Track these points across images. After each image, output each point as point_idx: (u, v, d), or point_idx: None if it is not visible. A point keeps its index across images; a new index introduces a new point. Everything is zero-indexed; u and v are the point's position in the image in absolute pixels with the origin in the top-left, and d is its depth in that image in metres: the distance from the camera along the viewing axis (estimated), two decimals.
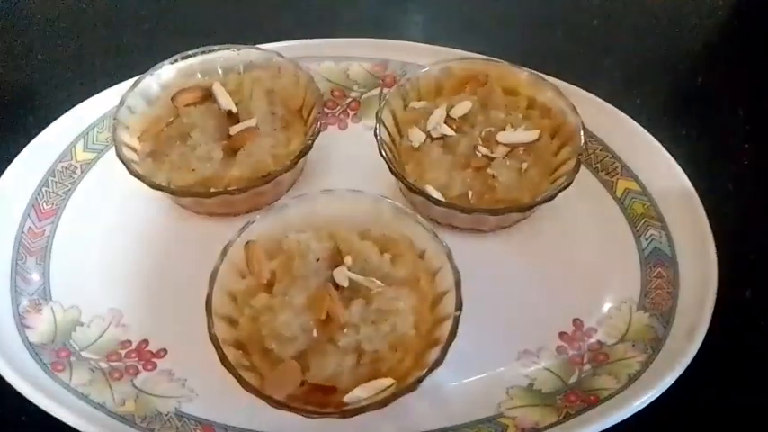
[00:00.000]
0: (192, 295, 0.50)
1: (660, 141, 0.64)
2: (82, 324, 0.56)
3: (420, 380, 0.46)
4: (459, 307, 0.48)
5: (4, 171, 0.62)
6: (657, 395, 0.49)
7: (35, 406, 0.49)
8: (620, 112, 0.66)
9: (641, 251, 0.60)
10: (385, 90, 0.70)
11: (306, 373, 0.47)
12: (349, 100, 0.71)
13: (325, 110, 0.69)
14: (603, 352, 0.54)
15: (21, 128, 0.69)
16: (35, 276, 0.58)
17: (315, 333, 0.48)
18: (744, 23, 0.87)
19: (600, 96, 0.67)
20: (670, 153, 0.63)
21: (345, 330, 0.48)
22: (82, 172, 0.65)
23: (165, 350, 0.54)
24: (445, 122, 0.60)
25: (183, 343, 0.54)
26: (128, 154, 0.58)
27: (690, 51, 0.84)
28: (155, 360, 0.54)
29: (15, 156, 0.63)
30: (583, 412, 0.50)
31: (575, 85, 0.67)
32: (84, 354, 0.54)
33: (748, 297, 0.59)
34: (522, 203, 0.57)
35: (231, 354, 0.47)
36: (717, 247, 0.57)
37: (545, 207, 0.60)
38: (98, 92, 0.68)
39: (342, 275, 0.50)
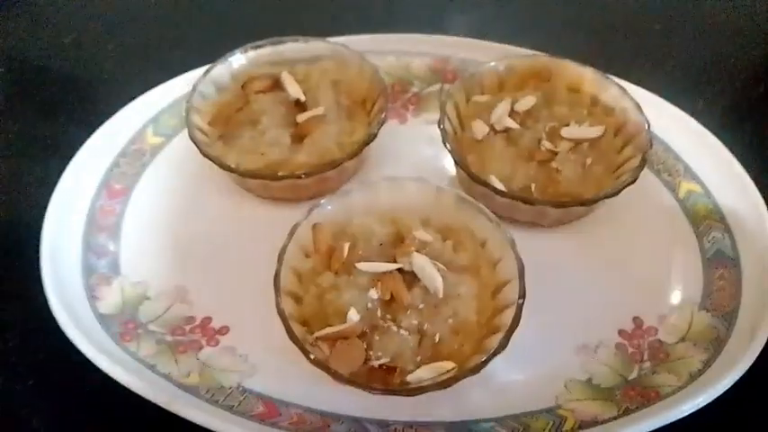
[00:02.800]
0: (255, 275, 0.52)
1: (724, 144, 0.63)
2: (149, 298, 0.57)
3: (483, 364, 0.46)
4: (522, 295, 0.48)
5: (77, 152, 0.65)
6: (719, 394, 0.48)
7: (102, 374, 0.50)
8: (683, 113, 0.66)
9: (704, 252, 0.59)
10: (446, 86, 0.71)
11: (369, 351, 0.48)
12: (409, 95, 0.72)
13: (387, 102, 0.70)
14: (664, 350, 0.54)
15: (93, 113, 0.71)
16: (105, 251, 0.60)
17: (378, 313, 0.49)
18: None
19: (663, 99, 0.67)
20: (734, 157, 0.63)
21: (408, 312, 0.48)
22: (151, 155, 0.67)
23: (227, 327, 0.56)
24: (509, 116, 0.61)
25: (246, 321, 0.55)
26: (200, 137, 0.61)
27: (752, 57, 0.83)
28: (218, 336, 0.55)
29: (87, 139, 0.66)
30: (643, 407, 0.49)
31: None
32: (150, 327, 0.56)
33: None
34: (584, 198, 0.57)
35: (297, 329, 0.48)
36: None
37: (607, 206, 0.60)
38: (165, 80, 0.71)
39: (405, 258, 0.50)
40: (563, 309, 0.56)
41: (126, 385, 0.49)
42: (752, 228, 0.58)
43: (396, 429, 0.49)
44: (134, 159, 0.66)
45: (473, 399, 0.51)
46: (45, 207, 0.60)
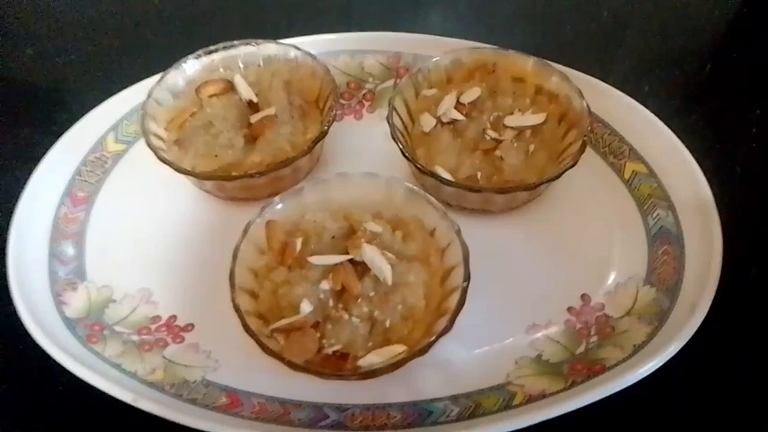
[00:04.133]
0: (217, 274, 0.54)
1: (668, 126, 0.66)
2: (114, 301, 0.59)
3: (430, 345, 0.48)
4: (466, 278, 0.51)
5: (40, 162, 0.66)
6: (660, 364, 0.51)
7: (71, 376, 0.52)
8: (626, 96, 0.68)
9: (648, 230, 0.62)
10: (398, 81, 0.73)
11: (322, 340, 0.50)
12: (364, 92, 0.74)
13: (342, 101, 0.73)
14: (610, 325, 0.56)
15: (54, 123, 0.73)
16: (70, 258, 0.62)
17: (330, 303, 0.51)
18: (752, 12, 0.88)
19: (609, 85, 0.69)
20: (678, 138, 0.65)
21: (359, 301, 0.51)
22: (113, 162, 0.69)
23: (192, 324, 0.58)
24: (455, 108, 0.63)
25: (209, 318, 0.58)
26: (156, 142, 0.62)
27: (698, 41, 0.85)
28: (183, 334, 0.57)
29: (50, 149, 0.67)
30: (588, 380, 0.51)
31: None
32: (116, 328, 0.57)
33: (754, 275, 0.61)
34: (528, 183, 0.59)
35: (253, 323, 0.50)
36: (723, 227, 0.58)
37: (554, 189, 0.62)
38: (126, 87, 0.72)
39: (356, 250, 0.52)
40: (514, 290, 0.58)
41: (93, 384, 0.51)
42: (694, 205, 0.61)
43: (354, 413, 0.51)
44: (96, 167, 0.68)
45: (427, 380, 0.53)
46: (9, 217, 0.61)
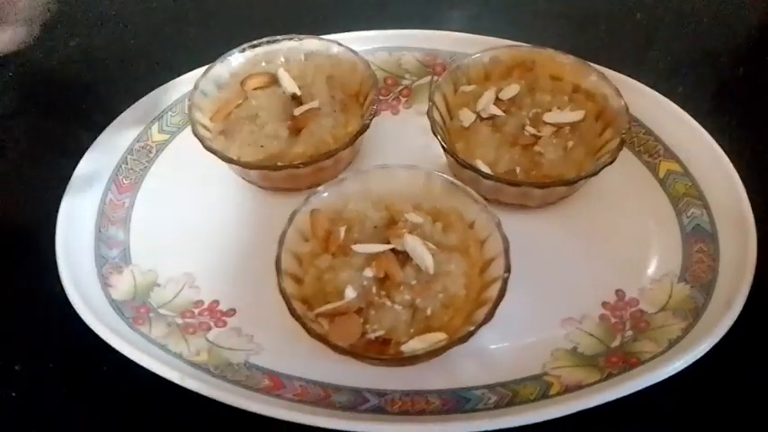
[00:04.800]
0: (259, 260, 0.56)
1: (702, 126, 0.66)
2: (159, 285, 0.61)
3: (471, 333, 0.49)
4: (507, 269, 0.52)
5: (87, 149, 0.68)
6: (695, 359, 0.51)
7: (116, 356, 0.54)
8: (661, 96, 0.69)
9: (683, 228, 0.62)
10: (435, 78, 0.74)
11: (365, 325, 0.51)
12: (401, 87, 0.76)
13: (379, 96, 0.73)
14: (645, 320, 0.57)
15: (99, 114, 0.74)
16: (117, 243, 0.64)
17: (373, 290, 0.52)
18: None
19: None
20: (712, 138, 0.65)
21: (401, 288, 0.52)
22: (157, 151, 0.71)
23: (234, 309, 0.59)
24: (494, 104, 0.64)
25: (251, 303, 0.59)
26: (202, 132, 0.64)
27: (731, 42, 0.86)
28: (225, 318, 0.59)
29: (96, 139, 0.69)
30: (624, 372, 0.52)
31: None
32: (161, 311, 0.59)
33: None
34: (566, 178, 0.60)
35: (298, 307, 0.51)
36: (757, 225, 0.59)
37: (590, 187, 0.63)
38: (169, 81, 0.74)
39: (397, 239, 0.54)
40: (549, 283, 0.59)
41: (140, 364, 0.53)
42: (728, 204, 0.61)
43: (393, 398, 0.53)
44: (141, 156, 0.70)
45: (465, 368, 0.54)
46: (58, 204, 0.63)
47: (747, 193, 0.61)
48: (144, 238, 0.65)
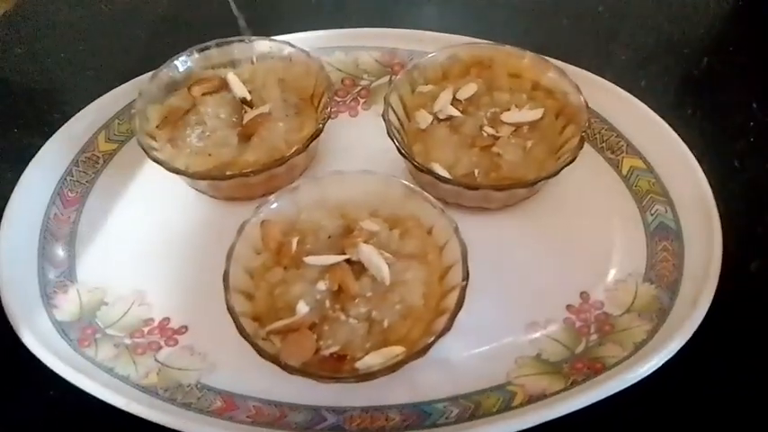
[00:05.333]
0: (212, 274, 0.53)
1: (665, 121, 0.65)
2: (106, 304, 0.58)
3: (429, 346, 0.47)
4: (465, 277, 0.50)
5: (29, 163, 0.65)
6: (662, 363, 0.50)
7: (63, 380, 0.51)
8: (623, 91, 0.67)
9: (647, 226, 0.61)
10: (394, 78, 0.72)
11: (319, 341, 0.49)
12: (359, 88, 0.73)
13: (336, 98, 0.72)
14: (610, 323, 0.56)
15: (46, 124, 0.72)
16: (61, 260, 0.61)
17: (327, 304, 0.50)
18: (748, 6, 0.88)
19: (606, 80, 0.68)
20: (676, 132, 0.64)
21: (357, 301, 0.50)
22: (104, 162, 0.68)
23: (185, 327, 0.57)
24: (451, 104, 0.62)
25: (203, 320, 0.57)
26: (148, 141, 0.61)
27: (694, 34, 0.85)
28: (176, 336, 0.56)
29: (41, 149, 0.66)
30: (589, 379, 0.51)
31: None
32: (108, 331, 0.56)
33: (754, 270, 0.60)
34: (526, 180, 0.59)
35: (248, 325, 0.49)
36: (722, 221, 0.58)
37: (552, 186, 0.62)
38: (117, 86, 0.71)
39: (352, 249, 0.52)
40: (512, 288, 0.58)
41: (84, 389, 0.50)
42: (693, 201, 0.60)
43: (352, 415, 0.51)
44: (87, 167, 0.67)
45: (426, 381, 0.52)
46: None
47: (712, 189, 0.60)
48: (90, 255, 0.62)
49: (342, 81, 0.73)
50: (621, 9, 0.88)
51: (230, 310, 0.49)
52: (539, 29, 0.84)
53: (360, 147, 0.69)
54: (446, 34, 0.73)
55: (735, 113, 0.74)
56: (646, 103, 0.67)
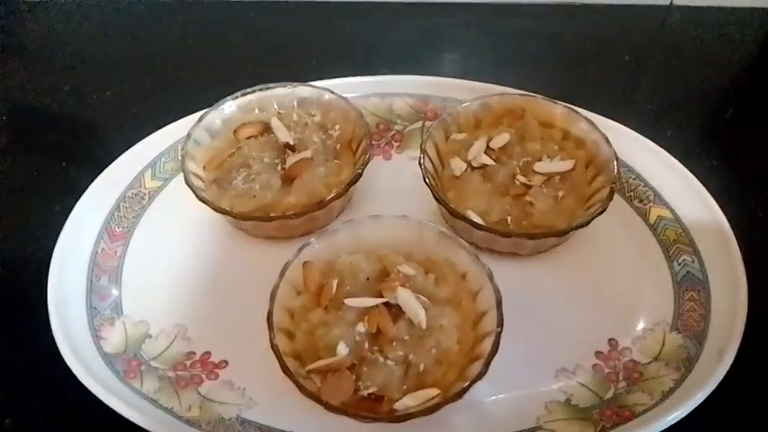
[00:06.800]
0: (251, 311, 0.55)
1: (691, 171, 0.67)
2: (150, 336, 0.61)
3: (465, 390, 0.49)
4: (500, 324, 0.52)
5: (79, 199, 0.68)
6: (689, 411, 0.51)
7: (110, 411, 0.53)
8: (651, 142, 0.69)
9: (674, 275, 0.63)
10: (427, 123, 0.75)
11: (358, 382, 0.51)
12: (393, 132, 0.76)
13: (372, 142, 0.74)
14: (638, 370, 0.57)
15: (91, 159, 0.75)
16: (107, 293, 0.64)
17: (366, 345, 0.52)
18: None
19: (631, 129, 0.71)
20: (701, 182, 0.66)
21: (394, 344, 0.52)
22: (150, 198, 0.71)
23: (226, 361, 0.59)
24: (485, 153, 0.65)
25: (243, 355, 0.59)
26: (195, 182, 0.64)
27: (718, 86, 0.87)
28: (217, 370, 0.58)
29: (89, 185, 0.69)
30: (618, 426, 0.52)
31: (607, 118, 0.70)
32: (152, 363, 0.59)
33: None
34: (557, 228, 0.61)
35: (290, 363, 0.51)
36: (747, 272, 0.59)
37: (581, 233, 0.64)
38: (162, 126, 0.75)
39: (390, 293, 0.54)
40: (542, 334, 0.59)
41: (132, 420, 0.52)
42: (719, 251, 0.62)
43: None
44: (133, 203, 0.70)
45: (459, 423, 0.54)
46: (50, 250, 0.63)
47: (737, 239, 0.61)
48: (135, 289, 0.64)
49: (376, 125, 0.76)
50: (647, 59, 0.91)
51: (275, 349, 0.51)
52: (566, 78, 0.87)
53: (393, 189, 0.71)
54: (478, 83, 0.76)
55: (759, 163, 0.75)
56: (672, 153, 0.69)
